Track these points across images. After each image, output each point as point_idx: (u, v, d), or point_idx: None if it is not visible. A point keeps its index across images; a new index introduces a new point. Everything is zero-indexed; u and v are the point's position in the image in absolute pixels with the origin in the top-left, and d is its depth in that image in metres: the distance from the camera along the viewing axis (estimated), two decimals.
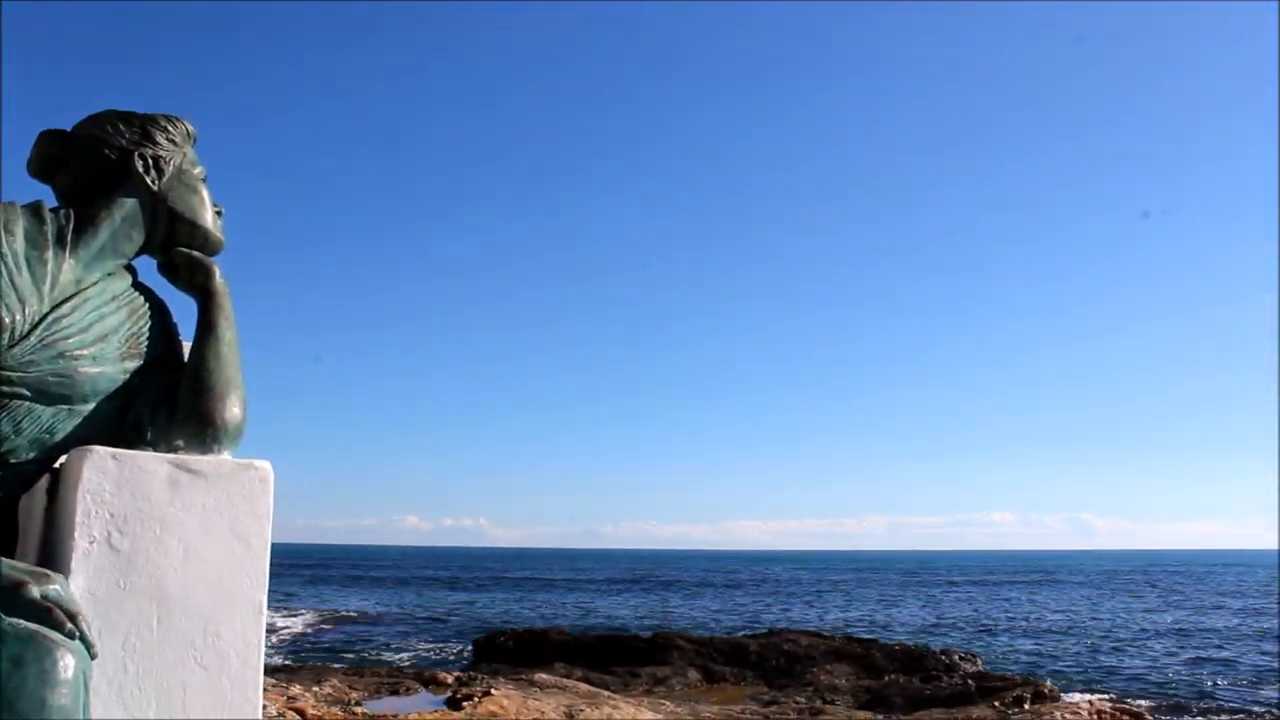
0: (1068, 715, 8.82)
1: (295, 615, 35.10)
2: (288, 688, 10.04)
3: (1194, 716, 16.37)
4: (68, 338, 2.02)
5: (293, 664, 18.32)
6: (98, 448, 1.98)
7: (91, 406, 2.06)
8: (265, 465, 2.14)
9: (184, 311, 2.32)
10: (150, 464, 2.02)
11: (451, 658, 22.73)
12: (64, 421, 2.03)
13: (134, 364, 2.14)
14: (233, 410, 2.19)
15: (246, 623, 2.05)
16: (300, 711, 8.46)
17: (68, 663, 1.64)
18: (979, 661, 18.68)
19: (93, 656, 1.75)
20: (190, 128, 2.35)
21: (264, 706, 8.06)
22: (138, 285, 2.27)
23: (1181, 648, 26.81)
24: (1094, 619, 36.50)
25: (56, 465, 2.07)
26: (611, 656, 17.51)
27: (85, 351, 2.04)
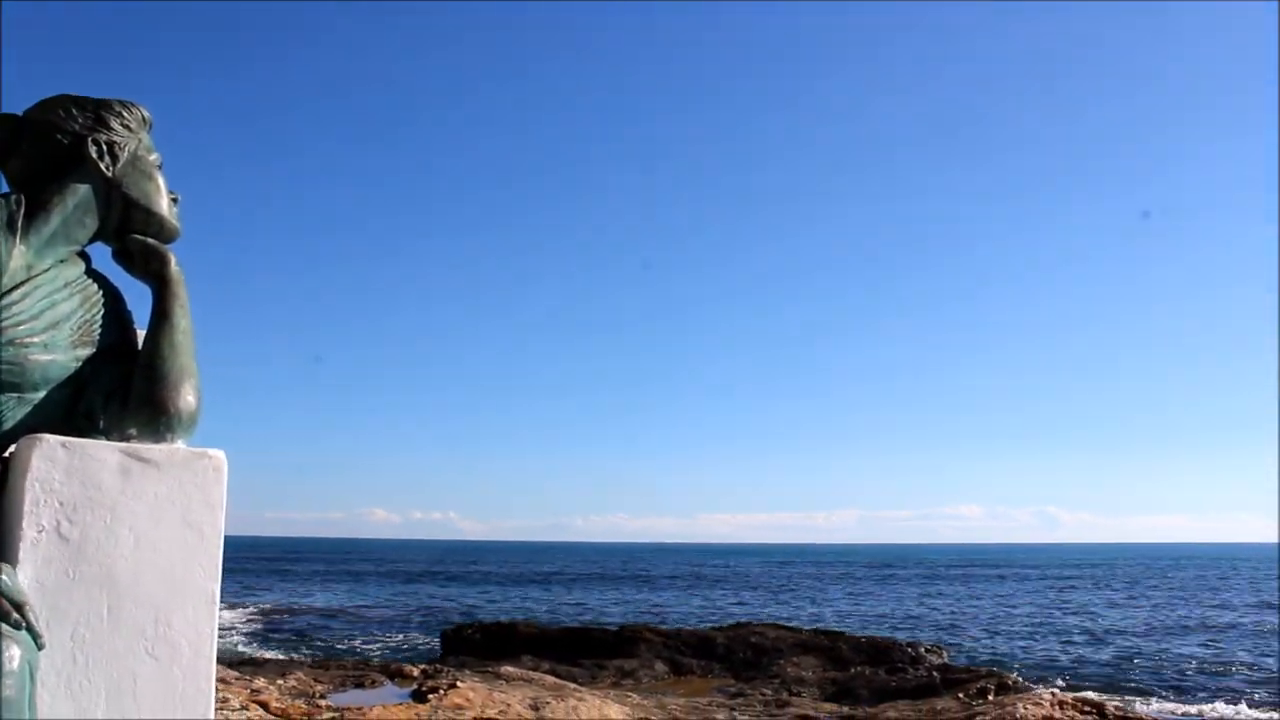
0: (1030, 706, 8.90)
1: (261, 607, 34.89)
2: (252, 680, 9.98)
3: (1157, 707, 16.58)
4: (18, 325, 2.00)
5: (257, 657, 18.22)
6: (47, 436, 1.96)
7: (42, 394, 2.04)
8: (219, 454, 2.13)
9: (139, 299, 2.30)
10: (101, 452, 2.00)
11: (419, 650, 22.65)
12: (14, 410, 2.01)
13: (86, 352, 2.12)
14: (187, 399, 2.17)
15: (199, 612, 2.03)
16: (264, 704, 8.41)
17: (13, 654, 1.62)
18: (944, 654, 18.83)
19: (40, 647, 1.74)
20: (145, 113, 2.32)
21: (227, 699, 7.99)
22: (91, 272, 2.24)
23: (1146, 640, 27.13)
24: (1059, 611, 36.88)
25: (6, 454, 2.05)
26: (579, 649, 17.52)
27: (36, 339, 2.02)
